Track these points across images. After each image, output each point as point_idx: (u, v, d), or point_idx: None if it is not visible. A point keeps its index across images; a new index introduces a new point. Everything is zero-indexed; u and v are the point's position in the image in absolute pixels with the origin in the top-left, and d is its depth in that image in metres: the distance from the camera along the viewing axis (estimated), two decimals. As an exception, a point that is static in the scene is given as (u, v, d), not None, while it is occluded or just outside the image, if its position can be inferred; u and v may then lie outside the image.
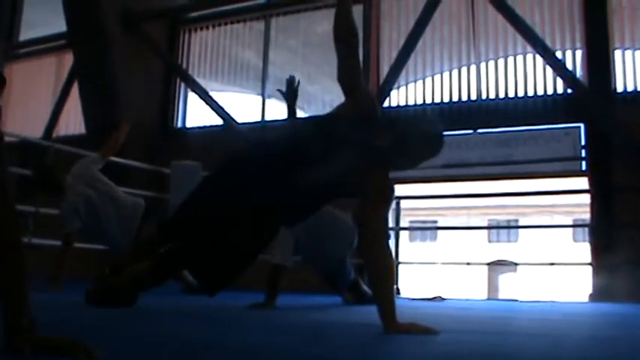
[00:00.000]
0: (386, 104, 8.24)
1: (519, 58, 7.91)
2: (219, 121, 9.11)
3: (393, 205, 7.95)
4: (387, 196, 2.71)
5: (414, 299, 6.13)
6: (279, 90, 4.05)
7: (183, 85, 9.82)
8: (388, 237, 2.71)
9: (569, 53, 7.67)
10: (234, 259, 2.94)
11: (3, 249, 1.48)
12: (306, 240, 4.33)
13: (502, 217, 31.54)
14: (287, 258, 4.27)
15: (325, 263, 4.55)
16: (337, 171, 2.69)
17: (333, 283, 4.77)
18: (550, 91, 7.62)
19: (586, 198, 7.45)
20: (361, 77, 2.89)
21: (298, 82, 3.97)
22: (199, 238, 2.93)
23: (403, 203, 8.24)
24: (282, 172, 2.78)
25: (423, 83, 8.33)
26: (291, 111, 4.05)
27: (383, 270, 2.58)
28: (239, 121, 8.98)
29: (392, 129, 2.77)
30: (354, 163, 2.67)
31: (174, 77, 9.87)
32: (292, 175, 2.75)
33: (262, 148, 3.12)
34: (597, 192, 7.05)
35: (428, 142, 2.76)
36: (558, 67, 7.47)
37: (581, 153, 7.25)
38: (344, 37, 2.80)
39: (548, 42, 7.57)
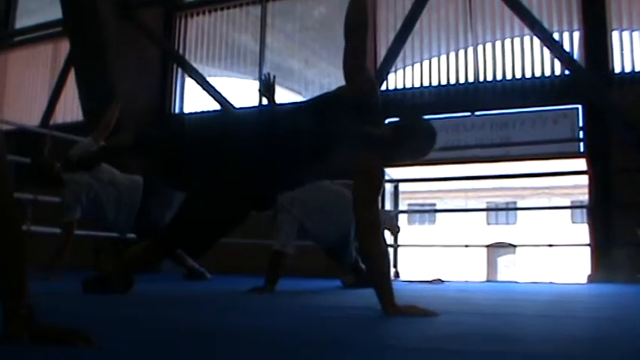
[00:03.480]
0: (383, 87, 8.21)
1: (517, 40, 7.87)
2: (216, 107, 9.09)
3: (392, 188, 7.97)
4: (377, 183, 2.71)
5: (413, 282, 6.15)
6: (258, 90, 4.17)
7: (180, 70, 9.79)
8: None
9: (566, 35, 7.64)
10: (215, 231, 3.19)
11: (2, 238, 1.47)
12: (311, 213, 4.37)
13: (500, 200, 31.58)
14: (289, 244, 4.28)
15: (330, 236, 4.55)
16: (332, 154, 2.70)
17: (337, 258, 4.78)
18: (548, 73, 7.59)
19: (584, 179, 7.46)
20: (366, 64, 2.88)
21: (274, 78, 4.16)
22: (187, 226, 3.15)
23: (401, 186, 8.24)
24: (278, 153, 2.81)
25: (421, 66, 8.29)
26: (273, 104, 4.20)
27: (376, 255, 2.59)
28: (236, 106, 8.97)
29: (393, 124, 2.81)
30: (350, 147, 2.68)
31: (171, 63, 9.84)
32: (287, 157, 2.79)
33: (256, 127, 3.15)
34: (595, 173, 7.05)
35: (425, 143, 2.80)
36: (556, 48, 7.44)
37: (579, 134, 7.26)
38: (356, 25, 2.78)
39: (545, 24, 7.53)
